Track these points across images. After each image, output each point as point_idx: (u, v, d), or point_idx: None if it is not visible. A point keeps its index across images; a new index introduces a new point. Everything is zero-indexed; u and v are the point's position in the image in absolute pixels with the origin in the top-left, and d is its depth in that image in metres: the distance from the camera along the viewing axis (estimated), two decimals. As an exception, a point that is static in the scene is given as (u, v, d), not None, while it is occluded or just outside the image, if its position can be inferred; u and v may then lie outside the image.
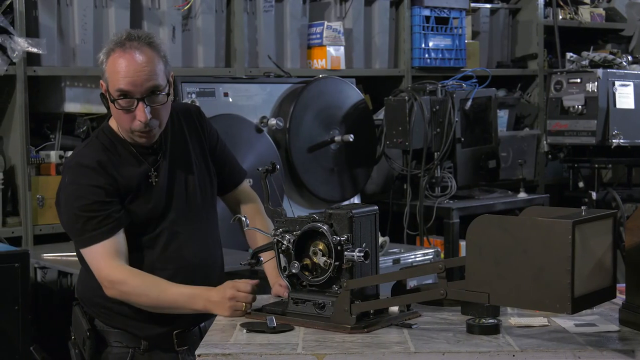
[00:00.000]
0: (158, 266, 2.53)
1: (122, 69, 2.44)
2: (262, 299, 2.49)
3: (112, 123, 2.58)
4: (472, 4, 5.64)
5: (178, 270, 2.54)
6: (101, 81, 2.53)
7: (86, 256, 2.50)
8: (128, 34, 2.49)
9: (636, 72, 5.09)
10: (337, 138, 4.45)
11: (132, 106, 2.45)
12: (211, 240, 2.68)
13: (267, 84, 4.35)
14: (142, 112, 2.45)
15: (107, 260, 2.45)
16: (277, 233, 2.34)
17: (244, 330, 2.20)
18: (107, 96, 2.49)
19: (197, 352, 2.05)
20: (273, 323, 2.22)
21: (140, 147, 2.55)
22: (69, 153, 4.06)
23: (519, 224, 1.98)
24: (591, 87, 4.90)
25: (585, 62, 5.09)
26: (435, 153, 4.61)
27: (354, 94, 4.60)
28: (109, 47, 2.49)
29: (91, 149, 2.54)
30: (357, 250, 2.22)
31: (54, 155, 4.06)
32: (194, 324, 2.61)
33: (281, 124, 4.21)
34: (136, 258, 2.52)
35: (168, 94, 2.50)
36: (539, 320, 2.23)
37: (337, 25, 4.83)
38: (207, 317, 2.52)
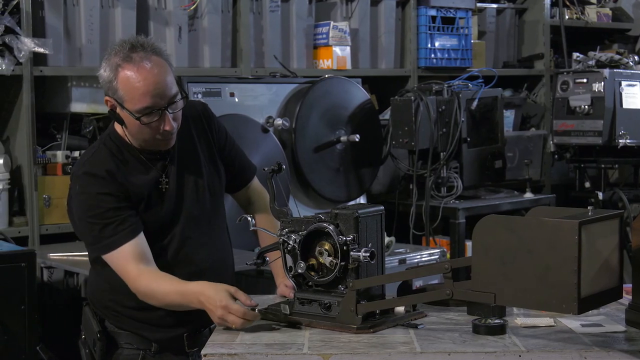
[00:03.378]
0: (169, 272, 2.49)
1: (141, 85, 2.38)
2: (268, 299, 2.49)
3: (118, 128, 2.53)
4: (478, 4, 5.63)
5: (189, 276, 2.50)
6: (107, 98, 2.45)
7: (109, 262, 2.47)
8: (131, 45, 2.41)
9: (643, 72, 5.08)
10: (343, 138, 4.45)
11: (156, 119, 2.41)
12: (221, 243, 2.67)
13: (273, 84, 4.35)
14: (169, 122, 2.42)
15: (128, 265, 2.43)
16: (283, 233, 2.34)
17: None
18: (125, 113, 2.42)
19: (203, 352, 2.06)
20: (287, 310, 2.24)
21: (148, 153, 2.52)
22: (76, 153, 4.07)
23: (525, 224, 1.98)
24: (598, 87, 4.89)
25: (591, 62, 5.08)
26: (441, 153, 4.61)
27: (360, 94, 4.60)
28: (114, 62, 2.40)
29: (99, 156, 2.50)
30: (363, 250, 2.22)
31: (60, 155, 4.06)
32: (205, 326, 2.60)
33: (287, 124, 4.21)
34: None
35: (184, 97, 2.47)
36: (545, 320, 2.23)
37: (343, 25, 4.83)
38: None
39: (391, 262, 3.96)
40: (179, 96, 2.46)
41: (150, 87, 2.38)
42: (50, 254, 3.70)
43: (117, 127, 2.54)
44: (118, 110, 2.45)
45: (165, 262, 2.52)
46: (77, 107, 4.13)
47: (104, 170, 2.45)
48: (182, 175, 2.56)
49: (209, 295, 2.29)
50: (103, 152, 2.51)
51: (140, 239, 2.45)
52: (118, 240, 2.42)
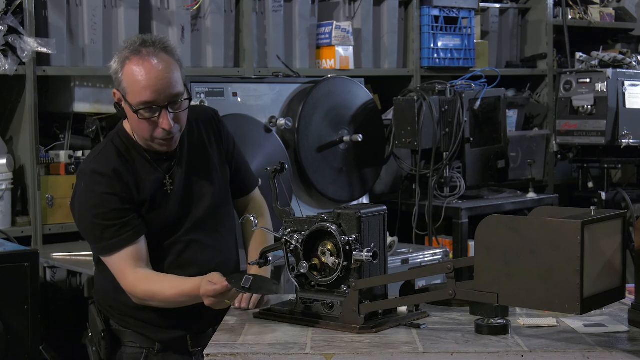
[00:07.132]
0: (172, 274, 2.50)
1: (142, 79, 2.39)
2: (272, 299, 2.49)
3: (127, 126, 2.55)
4: (482, 4, 5.63)
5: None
6: (115, 90, 2.48)
7: (107, 264, 2.49)
8: (142, 40, 2.44)
9: (646, 72, 5.08)
10: (346, 138, 4.44)
11: (155, 115, 2.42)
12: (226, 246, 2.66)
13: (276, 84, 4.34)
14: (166, 120, 2.42)
15: (126, 269, 2.44)
16: (286, 233, 2.34)
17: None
18: (127, 106, 2.45)
19: (205, 351, 2.06)
20: (247, 283, 2.22)
21: (154, 152, 2.52)
22: (79, 153, 4.07)
23: (528, 224, 1.98)
24: (601, 87, 4.89)
25: (594, 62, 5.08)
26: (444, 153, 4.61)
27: (362, 94, 4.60)
28: (123, 55, 2.43)
29: (106, 155, 2.51)
30: (365, 250, 2.22)
31: (63, 155, 4.06)
32: (209, 327, 2.59)
33: (290, 124, 4.20)
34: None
35: (188, 99, 2.47)
36: (547, 320, 2.23)
37: (346, 25, 4.83)
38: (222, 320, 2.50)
39: (394, 262, 3.96)
40: (184, 97, 2.45)
41: (152, 82, 2.39)
42: (54, 254, 3.70)
43: (126, 124, 2.55)
44: (123, 104, 2.47)
45: (169, 263, 2.52)
46: (80, 107, 4.13)
47: (111, 169, 2.46)
48: (190, 178, 2.56)
49: (199, 287, 2.31)
50: (110, 150, 2.52)
51: (141, 243, 2.46)
52: (119, 243, 2.44)
